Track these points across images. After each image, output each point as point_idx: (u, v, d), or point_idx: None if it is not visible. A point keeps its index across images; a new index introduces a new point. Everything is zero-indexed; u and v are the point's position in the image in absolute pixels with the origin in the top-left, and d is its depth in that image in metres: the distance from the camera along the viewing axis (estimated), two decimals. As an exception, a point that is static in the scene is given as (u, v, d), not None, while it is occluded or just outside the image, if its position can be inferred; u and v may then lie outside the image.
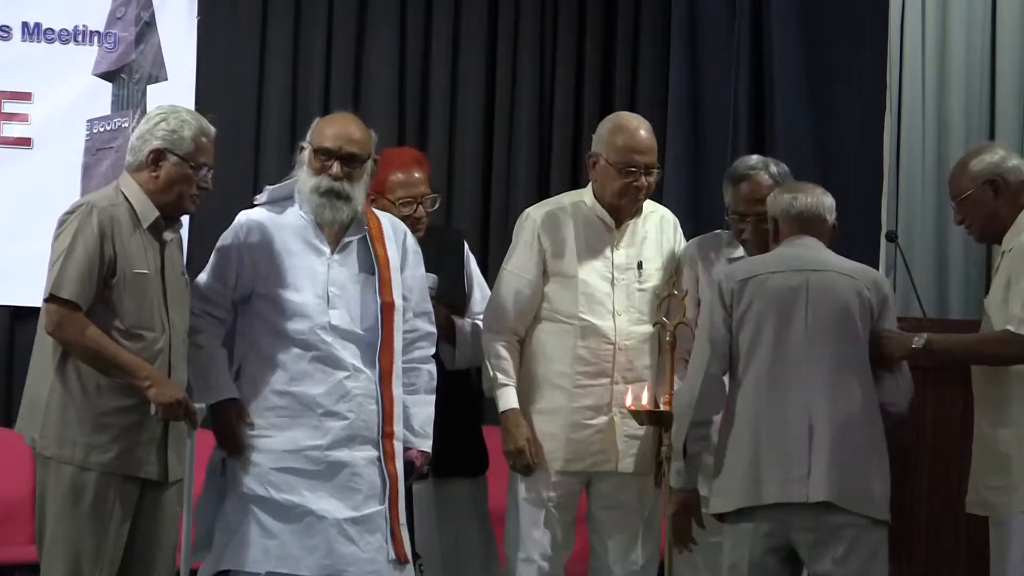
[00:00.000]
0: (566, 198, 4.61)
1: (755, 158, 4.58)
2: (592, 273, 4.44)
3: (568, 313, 4.43)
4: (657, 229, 4.55)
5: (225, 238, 4.23)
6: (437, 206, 4.72)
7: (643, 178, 4.42)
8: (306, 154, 4.19)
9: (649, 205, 4.57)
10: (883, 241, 5.52)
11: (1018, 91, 5.97)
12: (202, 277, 4.22)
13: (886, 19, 6.17)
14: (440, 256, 4.62)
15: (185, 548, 4.02)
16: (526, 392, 4.46)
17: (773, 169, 4.49)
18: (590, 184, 4.55)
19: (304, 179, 4.18)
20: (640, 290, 4.46)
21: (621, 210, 4.48)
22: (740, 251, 4.56)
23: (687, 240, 4.66)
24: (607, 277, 4.45)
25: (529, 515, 4.44)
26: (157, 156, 4.02)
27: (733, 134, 6.43)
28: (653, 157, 4.45)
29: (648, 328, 4.44)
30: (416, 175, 4.64)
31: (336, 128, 4.20)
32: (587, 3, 7.20)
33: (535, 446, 4.40)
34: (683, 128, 6.70)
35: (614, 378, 4.40)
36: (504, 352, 4.44)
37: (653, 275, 4.48)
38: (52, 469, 3.94)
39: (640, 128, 4.47)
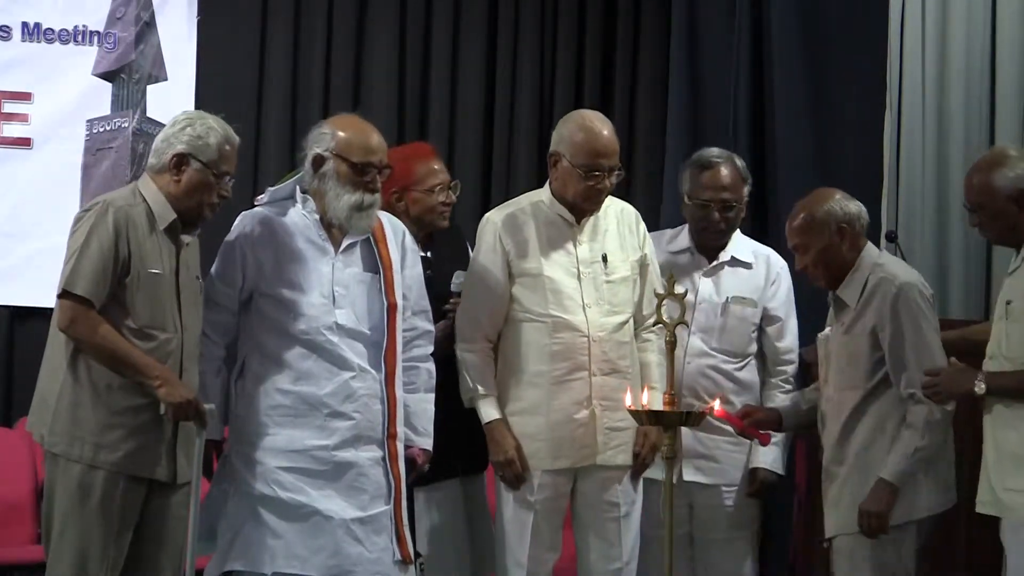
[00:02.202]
0: (524, 199, 4.60)
1: (718, 149, 4.76)
2: (558, 269, 4.44)
3: (538, 311, 4.43)
4: (618, 222, 4.54)
5: (228, 239, 4.21)
6: (459, 191, 4.75)
7: (606, 181, 4.42)
8: (331, 165, 4.14)
9: (608, 199, 4.55)
10: (883, 241, 5.51)
11: (1018, 91, 5.97)
12: (209, 282, 4.19)
13: (886, 19, 6.16)
14: (455, 257, 4.63)
15: (191, 549, 4.01)
16: (505, 395, 4.46)
17: (739, 164, 4.70)
18: (548, 183, 4.54)
19: (336, 192, 4.13)
20: (608, 282, 4.46)
21: (581, 208, 4.49)
22: (685, 242, 4.70)
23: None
24: (573, 272, 4.44)
25: (517, 519, 4.44)
26: (180, 160, 4.02)
27: (733, 135, 6.42)
28: (616, 159, 4.43)
29: (620, 318, 4.45)
30: (437, 165, 4.69)
31: (371, 140, 4.17)
32: (587, 3, 7.21)
33: (522, 456, 4.40)
34: (683, 128, 6.69)
35: (591, 371, 4.41)
36: (480, 362, 4.43)
37: (619, 267, 4.48)
38: (60, 466, 3.94)
39: (604, 129, 4.43)
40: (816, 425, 4.38)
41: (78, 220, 3.99)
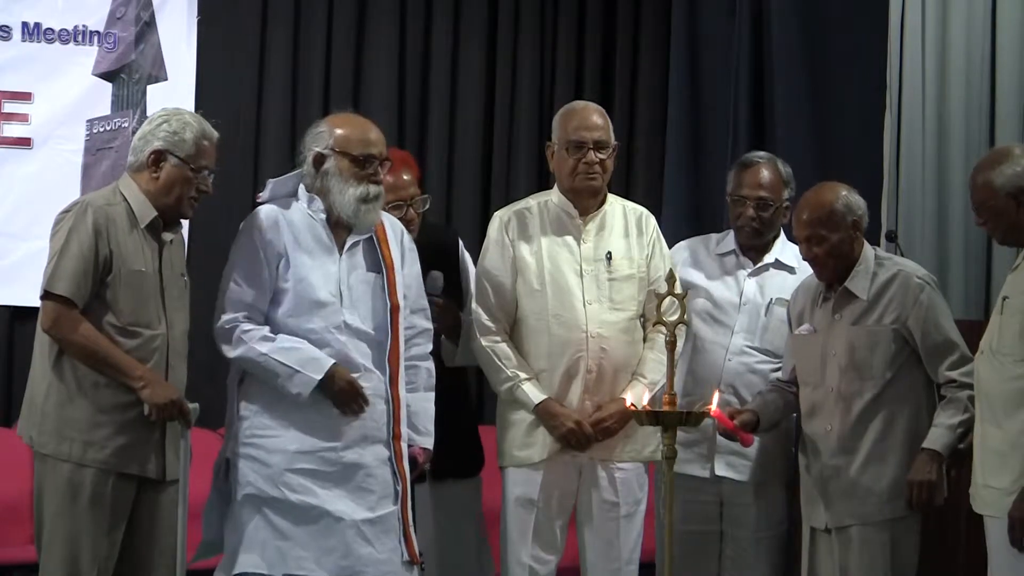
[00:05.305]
0: (533, 198, 4.66)
1: (764, 152, 4.86)
2: (560, 266, 4.48)
3: (540, 307, 4.46)
4: (626, 221, 4.58)
5: (245, 243, 4.13)
6: (427, 207, 4.72)
7: (592, 153, 4.45)
8: (332, 162, 4.14)
9: (616, 198, 4.62)
10: (883, 241, 5.51)
11: (1018, 91, 5.97)
12: (238, 288, 4.09)
13: (886, 19, 6.17)
14: (435, 255, 4.62)
15: (181, 547, 4.02)
16: None
17: (781, 168, 4.71)
18: (556, 184, 4.59)
19: (340, 187, 4.12)
20: (611, 280, 4.49)
21: (580, 195, 4.51)
22: (730, 245, 4.66)
23: (667, 235, 4.74)
24: (575, 269, 4.48)
25: (521, 517, 4.46)
26: (158, 157, 4.04)
27: (733, 134, 6.43)
28: (603, 135, 4.48)
29: (622, 316, 4.48)
30: (404, 177, 4.64)
31: (369, 133, 4.19)
32: (587, 4, 7.21)
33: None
34: (683, 128, 6.70)
35: (588, 367, 4.42)
36: (510, 351, 4.47)
37: (623, 265, 4.51)
38: (49, 466, 3.95)
39: (588, 107, 4.57)
40: (773, 425, 4.49)
41: (58, 222, 4.01)
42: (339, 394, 4.05)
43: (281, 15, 6.88)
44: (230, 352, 4.08)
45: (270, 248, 4.10)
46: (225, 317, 4.09)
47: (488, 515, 4.75)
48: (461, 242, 4.87)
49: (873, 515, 4.22)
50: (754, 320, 4.67)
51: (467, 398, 4.86)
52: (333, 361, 4.05)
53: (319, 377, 4.01)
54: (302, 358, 4.04)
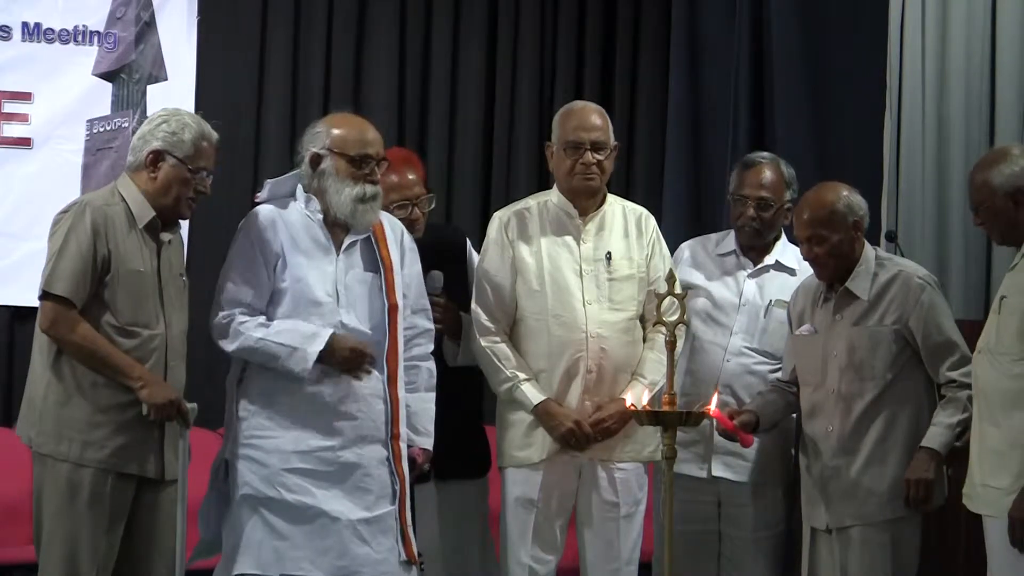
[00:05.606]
0: (532, 199, 4.66)
1: (769, 153, 4.86)
2: (560, 266, 4.48)
3: (539, 307, 4.47)
4: (625, 221, 4.58)
5: (242, 243, 4.15)
6: (433, 206, 4.72)
7: (589, 154, 4.45)
8: (329, 162, 4.14)
9: (616, 199, 4.63)
10: (883, 241, 5.51)
11: (1018, 91, 5.97)
12: (234, 288, 4.11)
13: (886, 19, 6.17)
14: (442, 255, 4.62)
15: (180, 548, 4.01)
16: None
17: (784, 169, 4.70)
18: (556, 184, 4.60)
19: (336, 187, 4.13)
20: (611, 280, 4.49)
21: (578, 195, 4.51)
22: (731, 245, 4.66)
23: (667, 235, 4.74)
24: (575, 269, 4.48)
25: (521, 517, 4.46)
26: (156, 157, 4.04)
27: (733, 134, 6.43)
28: (601, 135, 4.48)
29: (622, 316, 4.49)
30: (410, 176, 4.63)
31: (366, 133, 4.19)
32: (587, 5, 7.21)
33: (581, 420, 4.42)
34: (683, 129, 6.70)
35: (588, 367, 4.42)
36: (509, 351, 4.47)
37: (622, 265, 4.51)
38: (48, 466, 3.96)
39: (587, 107, 4.57)
40: (773, 425, 4.49)
41: (56, 222, 4.02)
42: (344, 363, 4.06)
43: (281, 15, 6.88)
44: (228, 346, 4.09)
45: (267, 248, 4.11)
46: (222, 313, 4.10)
47: (492, 516, 4.74)
48: (468, 241, 4.87)
49: (874, 515, 4.22)
50: (753, 321, 4.67)
51: (472, 399, 4.85)
52: (331, 331, 4.05)
53: (319, 349, 4.01)
54: (299, 335, 4.04)
